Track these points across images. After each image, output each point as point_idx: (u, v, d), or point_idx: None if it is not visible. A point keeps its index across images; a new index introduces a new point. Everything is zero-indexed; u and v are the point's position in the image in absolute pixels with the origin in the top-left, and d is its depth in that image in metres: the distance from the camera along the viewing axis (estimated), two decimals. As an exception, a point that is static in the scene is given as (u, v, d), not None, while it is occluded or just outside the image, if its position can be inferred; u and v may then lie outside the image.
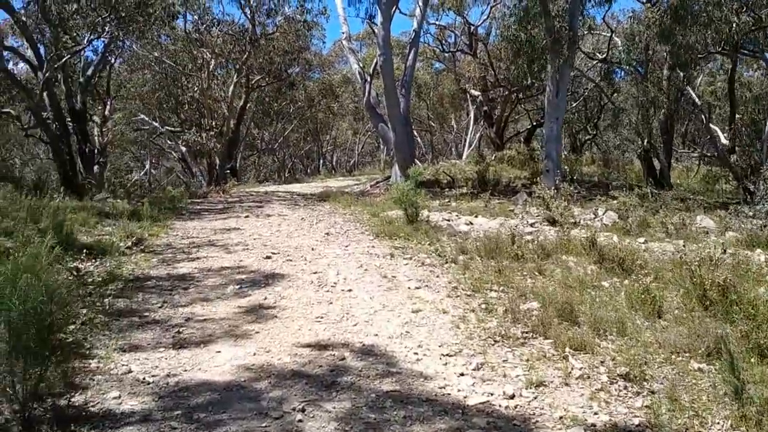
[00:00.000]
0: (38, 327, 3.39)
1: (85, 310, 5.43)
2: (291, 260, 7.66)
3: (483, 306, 5.77)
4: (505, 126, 31.35)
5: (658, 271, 7.08)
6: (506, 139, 32.22)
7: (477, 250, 8.01)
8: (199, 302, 5.88)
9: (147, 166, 32.81)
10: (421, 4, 18.39)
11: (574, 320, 5.32)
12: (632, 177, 20.90)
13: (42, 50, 15.65)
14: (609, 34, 20.25)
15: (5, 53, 16.28)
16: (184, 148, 27.73)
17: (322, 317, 5.39)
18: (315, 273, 6.98)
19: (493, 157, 26.03)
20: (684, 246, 8.76)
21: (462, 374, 4.20)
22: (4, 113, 17.62)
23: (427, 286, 6.50)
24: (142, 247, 8.60)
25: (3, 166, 29.61)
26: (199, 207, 13.82)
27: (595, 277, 6.92)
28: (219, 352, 4.60)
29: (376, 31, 16.92)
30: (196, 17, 24.87)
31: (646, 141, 18.55)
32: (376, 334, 4.96)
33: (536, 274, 7.12)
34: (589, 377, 4.23)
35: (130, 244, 8.67)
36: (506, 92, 27.99)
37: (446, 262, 7.59)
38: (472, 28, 29.15)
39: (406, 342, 4.80)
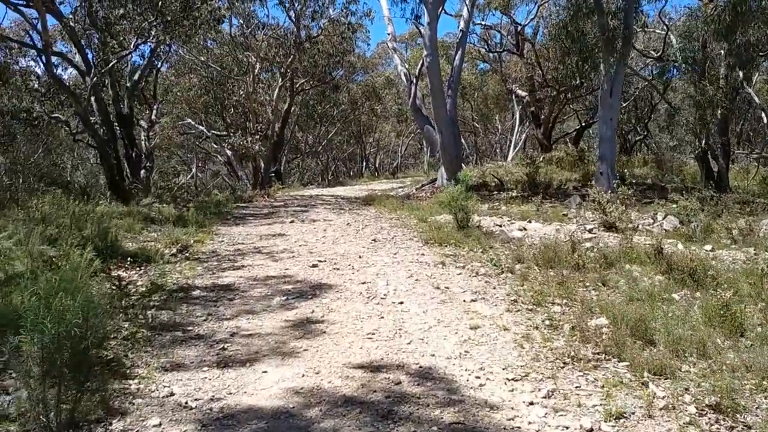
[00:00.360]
0: (73, 350, 3.12)
1: (127, 324, 5.21)
2: (338, 269, 7.35)
3: (547, 322, 5.35)
4: (552, 127, 30.62)
5: (733, 282, 6.54)
6: (554, 140, 31.45)
7: (534, 259, 7.57)
8: (244, 315, 5.60)
9: (193, 170, 33.07)
10: (468, 3, 17.96)
11: (648, 339, 4.87)
12: (687, 179, 20.04)
13: (90, 56, 15.75)
14: (664, 32, 19.49)
15: (54, 59, 16.44)
16: (229, 152, 27.85)
17: (373, 333, 5.04)
18: (363, 283, 6.64)
19: (541, 159, 25.40)
20: (756, 254, 8.20)
21: (531, 403, 3.80)
22: (53, 118, 17.82)
23: (483, 298, 6.10)
24: (187, 254, 8.40)
25: (54, 171, 30.27)
26: (244, 211, 13.66)
27: (664, 289, 6.43)
28: (265, 372, 4.30)
29: (422, 31, 16.55)
30: (241, 21, 24.90)
31: (703, 142, 17.73)
32: (433, 354, 4.59)
33: (599, 285, 6.66)
34: (674, 408, 3.78)
35: (175, 251, 8.49)
36: (554, 92, 27.30)
37: (502, 272, 7.18)
38: (519, 27, 28.57)
39: (466, 363, 4.41)
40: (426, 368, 4.32)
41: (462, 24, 18.12)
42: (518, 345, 4.79)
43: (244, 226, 11.13)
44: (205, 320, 5.46)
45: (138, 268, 7.39)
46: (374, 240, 9.31)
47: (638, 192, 15.07)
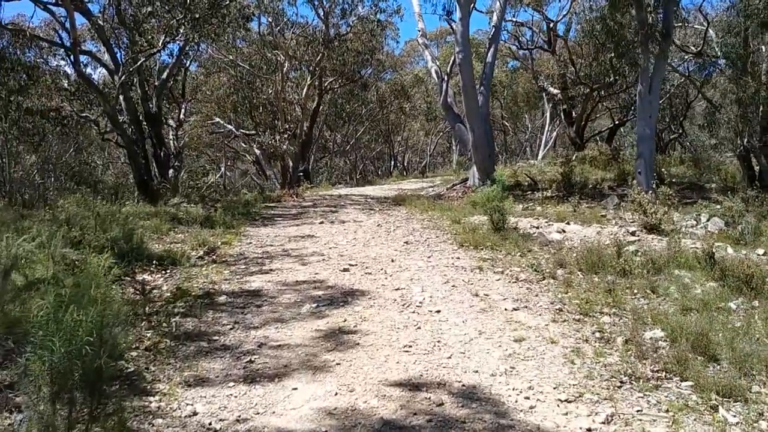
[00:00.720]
0: (85, 369, 2.83)
1: (150, 333, 4.94)
2: (370, 273, 7.02)
3: (597, 334, 4.96)
4: (585, 125, 29.97)
5: (794, 291, 6.08)
6: (586, 138, 30.80)
7: (577, 263, 7.17)
8: (272, 323, 5.30)
9: (222, 169, 33.05)
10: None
11: (711, 355, 4.46)
12: (727, 179, 19.32)
13: (119, 55, 15.65)
14: (702, 27, 18.80)
15: (83, 58, 16.40)
16: (258, 151, 27.71)
17: (410, 346, 4.69)
18: (397, 289, 6.30)
19: (573, 157, 24.85)
20: (815, 259, 7.69)
21: (589, 430, 3.42)
22: (82, 117, 17.79)
23: (526, 306, 5.73)
24: (214, 256, 8.15)
25: (84, 170, 30.45)
26: (272, 212, 13.41)
27: (719, 297, 5.98)
28: (295, 389, 3.98)
29: (454, 27, 16.15)
30: (270, 20, 24.73)
31: (746, 140, 17.03)
32: (476, 371, 4.22)
33: (648, 292, 6.24)
34: (750, 437, 3.38)
35: (201, 253, 8.25)
36: (587, 90, 26.68)
37: (544, 278, 6.79)
38: (552, 24, 27.98)
39: (513, 381, 4.05)
40: (470, 387, 3.96)
41: (495, 19, 17.66)
42: (568, 360, 4.41)
43: (272, 227, 10.87)
44: (231, 329, 5.17)
45: (163, 272, 7.15)
46: (406, 242, 8.96)
47: (677, 192, 14.48)
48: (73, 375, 2.78)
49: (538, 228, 10.12)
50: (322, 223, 11.13)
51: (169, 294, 6.14)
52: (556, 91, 28.63)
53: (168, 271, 7.16)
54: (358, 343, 4.78)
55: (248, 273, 7.19)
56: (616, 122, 29.82)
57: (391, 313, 5.51)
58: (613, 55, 25.21)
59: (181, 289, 6.25)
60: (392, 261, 7.67)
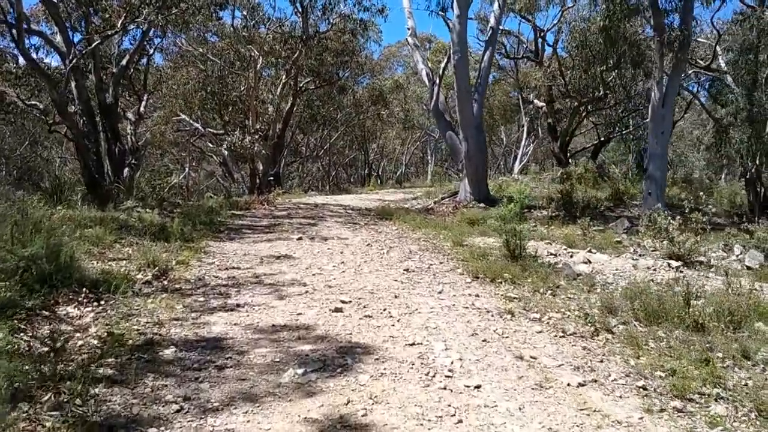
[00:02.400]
0: None
1: (50, 420, 3.21)
2: (370, 316, 5.35)
3: (723, 440, 3.39)
4: (570, 140, 28.83)
5: None
6: (570, 154, 29.67)
7: (632, 311, 5.61)
8: (240, 403, 3.60)
9: (186, 170, 30.96)
10: (499, -2, 16.03)
11: None
12: (725, 202, 18.11)
13: (76, 38, 13.75)
14: (709, 40, 17.63)
15: (34, 40, 14.50)
16: (226, 152, 25.77)
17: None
18: (412, 345, 4.65)
19: (558, 174, 23.57)
20: None
21: None
22: (30, 106, 15.76)
23: (594, 380, 4.13)
24: (166, 281, 6.41)
25: (39, 166, 28.13)
26: (240, 222, 11.65)
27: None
28: None
29: (450, 25, 14.62)
30: (245, 12, 22.96)
31: (758, 161, 15.81)
32: None
33: (740, 359, 4.70)
34: None
35: (150, 276, 6.49)
36: (575, 103, 25.50)
37: (596, 331, 5.20)
38: (542, 33, 26.75)
39: None
40: None
41: (492, 20, 16.20)
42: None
43: (240, 243, 9.13)
44: (178, 412, 3.46)
45: (96, 304, 5.39)
46: (407, 270, 7.32)
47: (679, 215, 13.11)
48: None
49: (556, 255, 8.58)
50: (300, 239, 9.42)
51: (96, 342, 4.41)
52: (541, 104, 27.45)
53: (102, 303, 5.40)
54: (373, 450, 3.12)
55: (208, 309, 5.45)
56: (602, 139, 28.72)
57: (411, 389, 3.85)
58: (604, 68, 24.14)
59: (114, 336, 4.51)
60: (395, 297, 6.01)
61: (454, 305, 5.79)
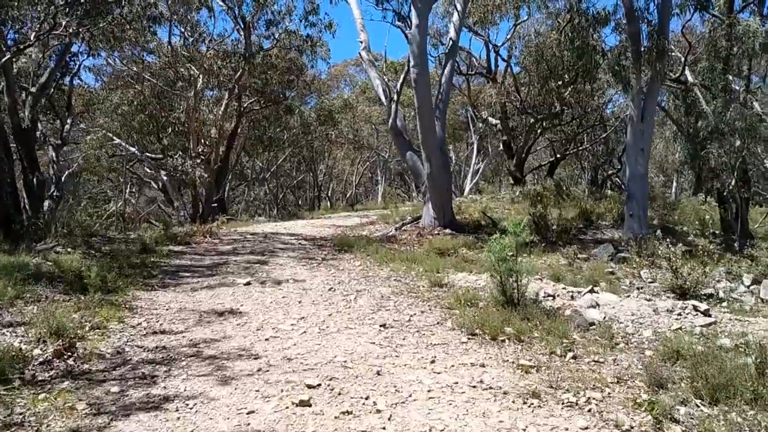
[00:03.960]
0: None
1: None
2: (350, 412, 3.88)
3: None
4: (525, 158, 28.08)
5: None
6: (525, 172, 28.95)
7: (691, 384, 4.32)
8: None
9: (125, 196, 28.80)
10: (459, 6, 14.90)
11: None
12: (691, 220, 17.29)
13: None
14: (679, 55, 16.84)
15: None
16: (165, 177, 23.89)
17: None
18: (418, 465, 3.23)
19: (516, 193, 22.61)
20: None
21: None
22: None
23: None
24: (72, 359, 4.83)
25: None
26: (178, 261, 10.02)
27: None
28: None
29: (408, 36, 13.36)
30: (182, 29, 21.32)
31: (734, 178, 14.99)
32: None
33: None
34: None
35: (51, 353, 4.90)
36: (532, 120, 24.72)
37: (659, 424, 3.86)
38: (495, 48, 25.92)
39: None
40: None
41: (452, 31, 15.06)
42: None
43: (175, 291, 7.54)
44: None
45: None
46: (383, 326, 5.89)
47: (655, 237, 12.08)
48: None
49: (554, 297, 7.29)
50: (248, 284, 7.88)
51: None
52: (495, 122, 26.59)
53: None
54: None
55: (122, 409, 3.90)
56: (558, 156, 28.05)
57: None
58: (560, 83, 23.39)
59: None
60: (377, 374, 4.56)
61: (456, 383, 4.39)
